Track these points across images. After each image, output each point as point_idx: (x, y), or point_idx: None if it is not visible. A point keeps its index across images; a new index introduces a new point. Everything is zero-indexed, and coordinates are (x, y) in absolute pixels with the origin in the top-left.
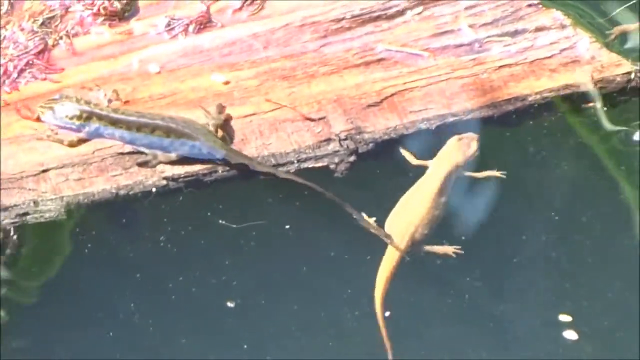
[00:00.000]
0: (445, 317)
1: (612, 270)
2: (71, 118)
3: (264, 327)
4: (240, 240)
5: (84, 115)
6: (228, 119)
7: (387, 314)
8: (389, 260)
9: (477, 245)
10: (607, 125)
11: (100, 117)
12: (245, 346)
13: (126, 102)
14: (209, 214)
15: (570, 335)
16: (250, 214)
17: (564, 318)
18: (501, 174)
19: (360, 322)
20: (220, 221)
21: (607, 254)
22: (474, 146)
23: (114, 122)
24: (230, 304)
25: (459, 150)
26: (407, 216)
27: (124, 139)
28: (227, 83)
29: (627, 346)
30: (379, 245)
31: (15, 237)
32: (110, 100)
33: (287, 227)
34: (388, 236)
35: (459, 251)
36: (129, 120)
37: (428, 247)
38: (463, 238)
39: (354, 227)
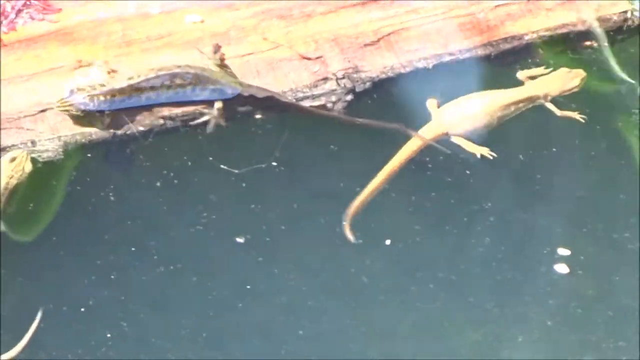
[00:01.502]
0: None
1: (612, 206)
2: (100, 102)
3: (266, 267)
4: (231, 178)
5: (108, 95)
6: (222, 58)
7: (388, 242)
8: (412, 144)
9: (481, 178)
10: (616, 68)
11: (122, 91)
12: (248, 286)
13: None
14: (210, 158)
15: (562, 269)
16: (239, 155)
17: (563, 252)
18: (581, 117)
19: (359, 256)
20: (221, 166)
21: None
22: (575, 82)
23: (138, 89)
24: (239, 240)
25: (559, 80)
26: (459, 108)
27: (150, 100)
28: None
29: (623, 285)
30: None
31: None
32: (110, 71)
33: (275, 164)
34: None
35: (489, 155)
36: (149, 82)
37: (457, 139)
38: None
39: (346, 161)
